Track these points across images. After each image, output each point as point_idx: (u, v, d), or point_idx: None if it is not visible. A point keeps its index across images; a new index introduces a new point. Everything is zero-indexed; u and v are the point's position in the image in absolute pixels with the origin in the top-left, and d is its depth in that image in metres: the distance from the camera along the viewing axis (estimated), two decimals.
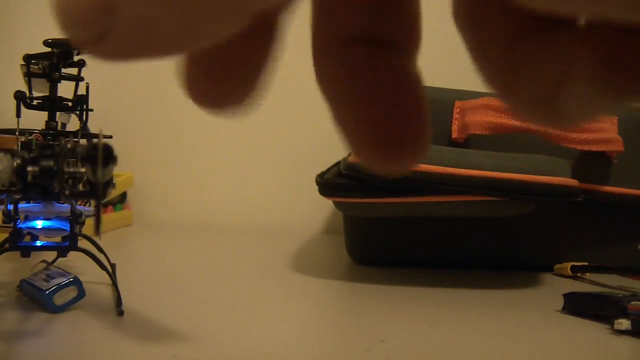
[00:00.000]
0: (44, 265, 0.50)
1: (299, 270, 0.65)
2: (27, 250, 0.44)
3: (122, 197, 0.91)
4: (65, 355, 0.37)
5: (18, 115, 0.43)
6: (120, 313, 0.45)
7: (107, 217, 0.82)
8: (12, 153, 0.13)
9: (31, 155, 0.13)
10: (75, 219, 0.45)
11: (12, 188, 0.13)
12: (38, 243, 0.46)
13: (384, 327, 0.45)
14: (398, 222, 0.66)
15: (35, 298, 0.46)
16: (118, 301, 0.46)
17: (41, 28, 1.01)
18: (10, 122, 0.54)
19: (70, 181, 0.12)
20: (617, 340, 0.42)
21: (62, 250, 0.46)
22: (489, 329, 0.45)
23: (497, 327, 0.46)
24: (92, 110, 0.44)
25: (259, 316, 0.48)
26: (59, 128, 0.44)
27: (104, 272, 0.51)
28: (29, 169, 0.13)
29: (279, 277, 0.62)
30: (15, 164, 0.13)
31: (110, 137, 0.47)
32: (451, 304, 0.53)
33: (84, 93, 0.44)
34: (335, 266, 0.71)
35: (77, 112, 0.45)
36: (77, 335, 0.40)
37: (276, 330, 0.44)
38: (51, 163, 0.13)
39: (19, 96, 0.43)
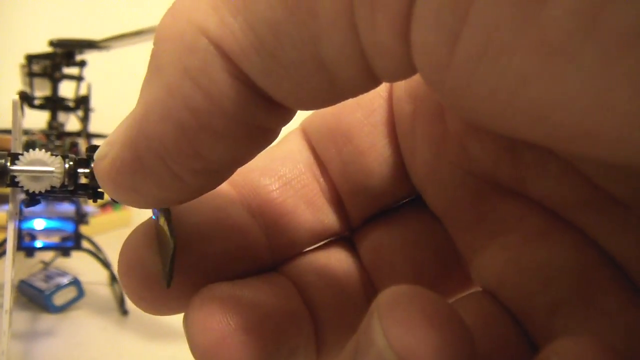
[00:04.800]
0: (41, 265, 0.50)
1: None
2: (31, 251, 0.44)
3: None
4: (66, 355, 0.37)
5: (22, 115, 0.43)
6: (125, 312, 0.46)
7: (106, 217, 0.82)
8: (64, 156, 0.13)
9: (80, 157, 0.13)
10: (81, 219, 0.45)
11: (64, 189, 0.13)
12: (38, 244, 0.46)
13: None
14: None
15: (34, 298, 0.46)
16: (121, 301, 0.46)
17: (37, 29, 1.01)
18: (7, 123, 0.54)
19: None
20: None
21: (66, 250, 0.46)
22: None
23: None
24: (93, 110, 0.44)
25: None
26: (59, 128, 0.44)
27: (102, 272, 0.51)
28: (80, 170, 0.13)
29: None
30: (67, 166, 0.13)
31: None
32: None
33: (86, 93, 0.44)
34: None
35: (78, 113, 0.45)
36: (78, 335, 0.40)
37: None
38: None
39: (23, 96, 0.43)
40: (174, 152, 0.09)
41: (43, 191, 0.13)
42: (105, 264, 0.48)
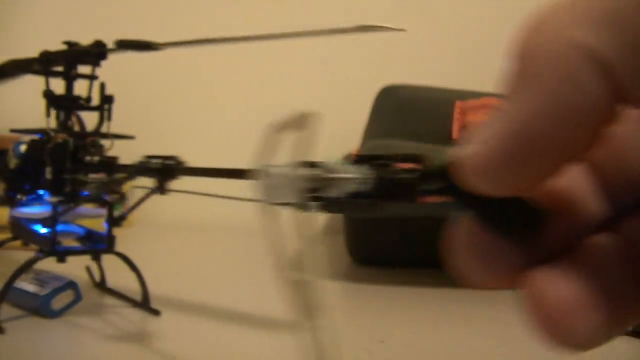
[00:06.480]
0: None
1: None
2: (63, 255, 0.43)
3: (122, 198, 0.91)
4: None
5: (48, 114, 0.43)
6: (156, 312, 0.45)
7: None
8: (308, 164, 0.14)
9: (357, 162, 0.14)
10: (115, 222, 0.45)
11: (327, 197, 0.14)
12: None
13: (384, 327, 0.45)
14: (398, 222, 0.66)
15: (27, 304, 0.44)
16: (145, 300, 0.46)
17: (38, 30, 1.01)
18: (7, 123, 0.54)
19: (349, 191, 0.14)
20: (617, 340, 0.41)
21: (98, 253, 0.46)
22: (489, 329, 0.45)
23: (498, 327, 0.46)
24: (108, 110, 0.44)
25: (259, 316, 0.47)
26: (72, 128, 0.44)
27: (88, 274, 0.51)
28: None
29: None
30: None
31: (133, 137, 0.47)
32: (452, 304, 0.53)
33: (100, 92, 0.44)
34: (335, 266, 0.71)
35: (79, 112, 0.45)
36: (79, 340, 0.40)
37: (276, 330, 0.44)
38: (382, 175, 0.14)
39: (49, 95, 0.42)
40: (549, 146, 0.11)
41: (340, 197, 0.14)
42: (133, 267, 0.47)
